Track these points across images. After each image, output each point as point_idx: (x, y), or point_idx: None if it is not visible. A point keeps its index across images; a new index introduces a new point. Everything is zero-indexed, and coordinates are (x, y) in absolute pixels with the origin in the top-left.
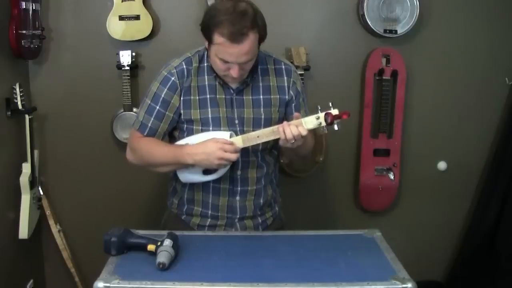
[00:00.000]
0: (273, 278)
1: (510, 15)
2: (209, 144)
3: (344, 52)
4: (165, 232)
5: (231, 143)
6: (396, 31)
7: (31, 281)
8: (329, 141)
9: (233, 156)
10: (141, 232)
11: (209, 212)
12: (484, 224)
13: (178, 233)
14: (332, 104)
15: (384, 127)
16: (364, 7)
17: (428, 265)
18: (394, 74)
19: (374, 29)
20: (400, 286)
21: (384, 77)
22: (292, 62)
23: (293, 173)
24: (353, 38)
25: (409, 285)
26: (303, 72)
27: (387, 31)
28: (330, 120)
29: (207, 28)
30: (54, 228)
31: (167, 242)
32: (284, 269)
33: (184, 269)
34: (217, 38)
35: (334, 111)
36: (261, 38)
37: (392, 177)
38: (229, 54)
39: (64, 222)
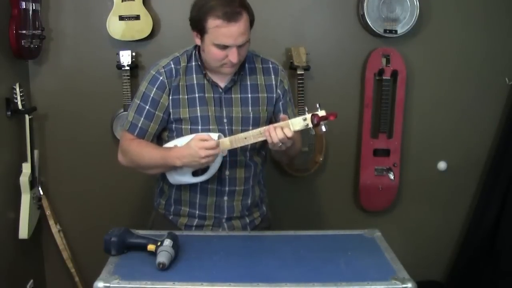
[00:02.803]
0: (273, 278)
1: (510, 15)
2: (191, 144)
3: (344, 52)
4: (164, 232)
5: (208, 137)
6: (396, 31)
7: (31, 281)
8: (329, 141)
9: (215, 151)
10: (141, 232)
11: (197, 212)
12: (484, 224)
13: (178, 233)
14: (319, 105)
15: (384, 127)
16: (364, 7)
17: (428, 265)
18: (394, 74)
19: (374, 29)
20: (400, 286)
21: (384, 77)
22: (292, 62)
23: (293, 173)
24: (353, 38)
25: (409, 285)
26: (303, 72)
27: (387, 31)
28: (317, 121)
29: (199, 19)
30: (54, 228)
31: (167, 242)
32: (284, 269)
33: (184, 269)
34: (212, 22)
35: (321, 113)
36: (251, 22)
37: (392, 177)
38: (227, 35)
39: (64, 222)
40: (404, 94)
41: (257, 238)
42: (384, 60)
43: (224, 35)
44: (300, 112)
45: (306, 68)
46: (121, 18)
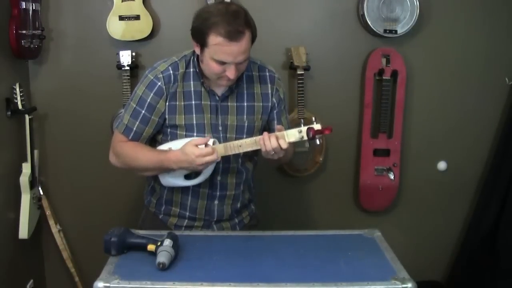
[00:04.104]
0: (273, 278)
1: (510, 15)
2: (188, 150)
3: (344, 52)
4: (164, 232)
5: (203, 141)
6: (396, 31)
7: (31, 281)
8: (329, 141)
9: (213, 158)
10: (141, 232)
11: (187, 213)
12: (484, 224)
13: (178, 233)
14: (315, 118)
15: (384, 127)
16: (364, 7)
17: (428, 265)
18: (394, 74)
19: (374, 29)
20: (400, 286)
21: (384, 77)
22: (292, 62)
23: (293, 173)
24: (353, 38)
25: (409, 285)
26: (303, 72)
27: (387, 31)
28: (312, 135)
29: (200, 32)
30: (54, 228)
31: (167, 242)
32: (284, 269)
33: (184, 269)
34: (214, 39)
35: (317, 126)
36: (253, 38)
37: (392, 177)
38: (227, 53)
39: (64, 222)
40: (404, 94)
41: (257, 238)
42: (384, 60)
43: (224, 52)
44: (300, 114)
45: (306, 68)
46: (121, 18)
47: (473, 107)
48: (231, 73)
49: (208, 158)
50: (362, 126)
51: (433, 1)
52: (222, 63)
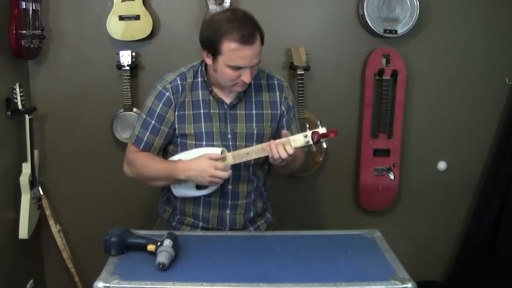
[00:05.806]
0: (273, 278)
1: (510, 15)
2: (202, 161)
3: (344, 52)
4: (164, 232)
5: (224, 158)
6: (396, 31)
7: (31, 281)
8: (329, 141)
9: (224, 174)
10: (141, 232)
11: (200, 223)
12: (484, 224)
13: (178, 233)
14: (320, 122)
15: (384, 127)
16: (364, 7)
17: (428, 265)
18: (394, 74)
19: (374, 29)
20: (400, 286)
21: (384, 77)
22: (292, 62)
23: (294, 173)
24: (353, 38)
25: (409, 285)
26: (303, 72)
27: (387, 31)
28: (317, 138)
29: (212, 41)
30: (54, 228)
31: (167, 242)
32: (284, 269)
33: (184, 269)
34: (228, 46)
35: (322, 130)
36: (262, 40)
37: (392, 177)
38: (243, 57)
39: (64, 222)
40: (404, 94)
41: (257, 238)
42: (384, 60)
43: (239, 57)
44: (300, 114)
45: (306, 68)
46: (121, 18)
47: (473, 107)
48: (246, 77)
49: (219, 173)
50: (362, 126)
51: (433, 1)
52: (238, 68)
